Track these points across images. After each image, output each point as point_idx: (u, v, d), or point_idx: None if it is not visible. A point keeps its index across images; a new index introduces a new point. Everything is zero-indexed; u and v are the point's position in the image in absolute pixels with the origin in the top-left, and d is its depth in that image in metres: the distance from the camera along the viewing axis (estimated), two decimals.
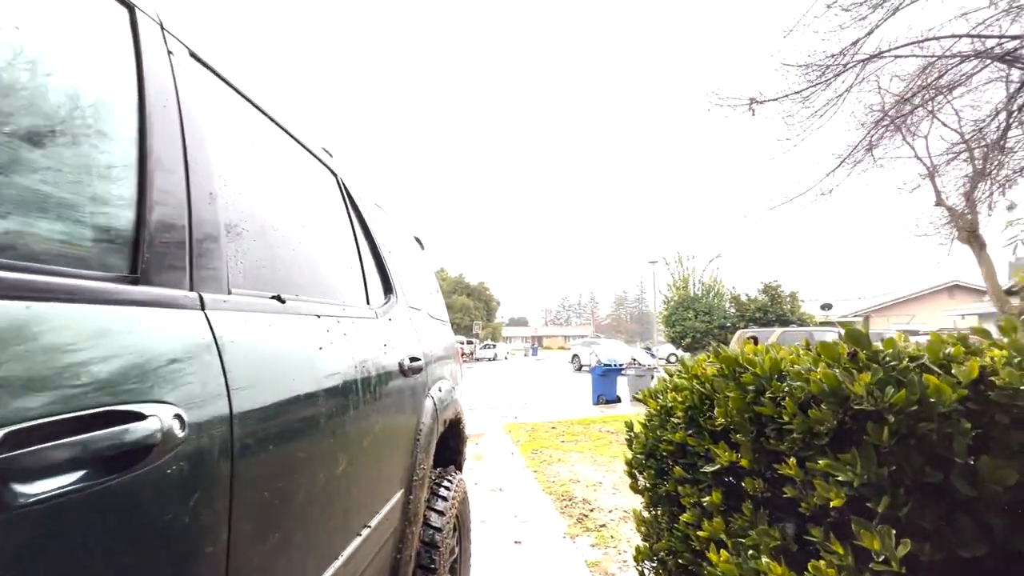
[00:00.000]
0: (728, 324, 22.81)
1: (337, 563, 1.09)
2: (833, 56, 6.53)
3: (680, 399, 1.45)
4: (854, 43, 6.40)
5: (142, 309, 0.65)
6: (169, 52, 0.89)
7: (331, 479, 1.06)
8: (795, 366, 1.08)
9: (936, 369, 0.95)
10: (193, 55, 0.97)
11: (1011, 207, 7.43)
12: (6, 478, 0.40)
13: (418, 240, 3.04)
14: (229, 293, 0.86)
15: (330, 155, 1.75)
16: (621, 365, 11.75)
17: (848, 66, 6.60)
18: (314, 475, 0.99)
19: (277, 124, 1.31)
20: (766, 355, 1.20)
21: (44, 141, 0.61)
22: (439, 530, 1.84)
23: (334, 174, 1.69)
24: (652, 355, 23.53)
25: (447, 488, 2.06)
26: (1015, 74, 6.26)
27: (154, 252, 0.70)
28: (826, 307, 22.31)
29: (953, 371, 0.92)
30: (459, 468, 2.55)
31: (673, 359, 28.79)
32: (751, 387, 1.15)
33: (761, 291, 22.42)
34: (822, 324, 21.69)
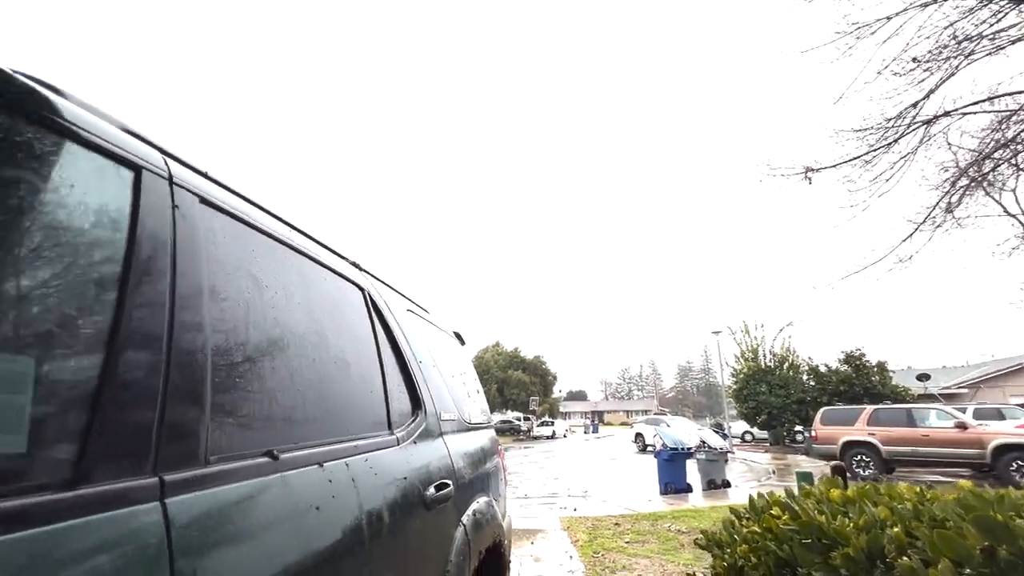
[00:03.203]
0: (808, 398, 20.75)
1: None
2: (891, 120, 6.25)
3: (754, 559, 1.17)
4: (913, 105, 6.12)
5: (84, 519, 0.55)
6: (175, 206, 0.89)
7: None
8: (903, 559, 0.81)
9: None
10: (204, 201, 0.97)
11: None
12: None
13: (458, 336, 2.97)
14: (206, 464, 0.76)
15: (358, 268, 1.74)
16: (689, 448, 10.77)
17: (911, 127, 6.28)
18: None
19: (297, 250, 1.30)
20: (859, 516, 0.94)
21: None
22: None
23: (360, 288, 1.66)
24: (724, 434, 21.59)
25: None
26: None
27: (103, 438, 0.62)
28: (923, 378, 19.91)
29: None
30: None
31: (749, 437, 26.27)
32: (844, 573, 0.88)
33: (842, 361, 20.41)
34: (921, 398, 19.22)
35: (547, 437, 35.04)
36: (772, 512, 1.26)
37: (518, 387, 43.71)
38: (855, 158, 6.55)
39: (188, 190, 0.94)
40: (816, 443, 12.52)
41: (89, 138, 0.77)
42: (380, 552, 1.14)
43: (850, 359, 20.10)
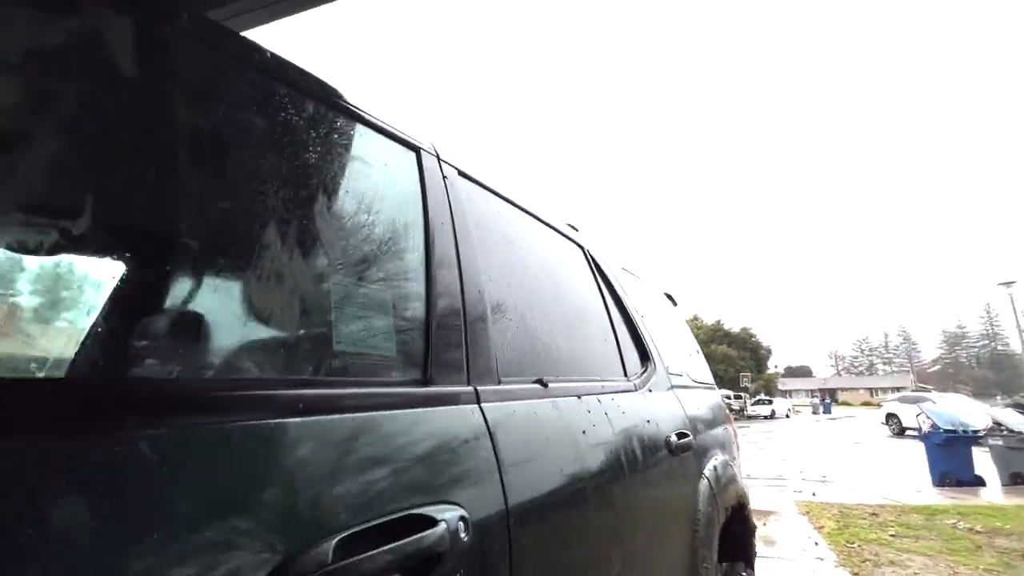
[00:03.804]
0: None
1: None
2: None
3: None
4: None
5: (431, 410, 0.72)
6: (444, 176, 1.07)
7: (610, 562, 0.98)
8: None
9: None
10: (462, 174, 1.14)
11: None
12: None
13: (669, 297, 2.87)
14: (499, 383, 0.91)
15: (575, 229, 1.83)
16: (975, 431, 8.40)
17: None
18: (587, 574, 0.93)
19: (528, 213, 1.43)
20: None
21: (371, 276, 0.77)
22: None
23: (580, 247, 1.74)
24: None
25: None
26: None
27: (438, 354, 0.79)
28: None
29: None
30: (749, 565, 2.13)
31: None
32: None
33: None
34: None
35: (765, 417, 31.53)
36: None
37: (724, 362, 40.25)
38: None
39: (451, 165, 1.12)
40: None
41: (389, 130, 0.97)
42: (638, 483, 1.19)
43: None
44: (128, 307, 0.60)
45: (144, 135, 0.57)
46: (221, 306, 0.61)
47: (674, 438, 1.51)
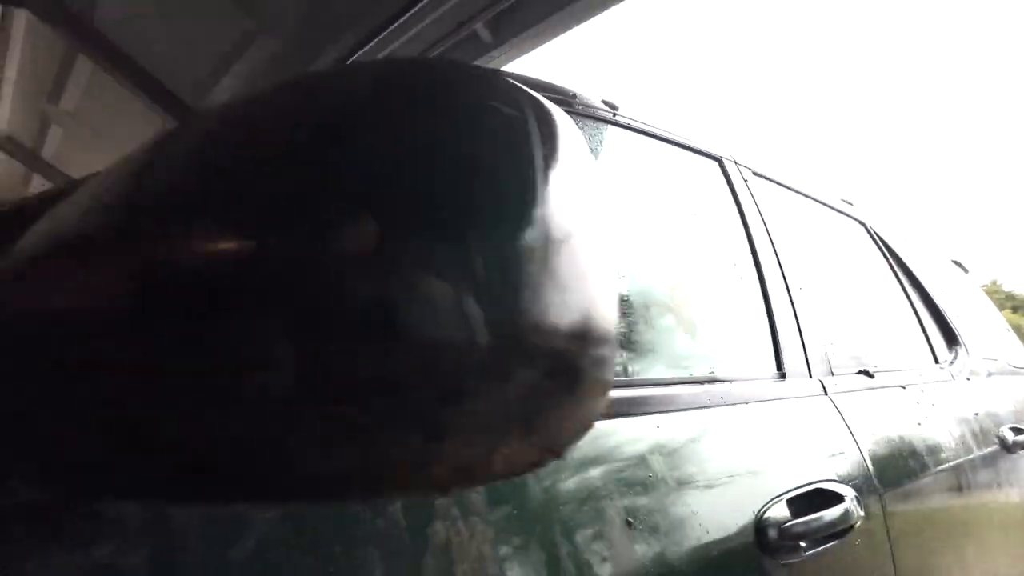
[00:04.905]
0: None
1: None
2: None
3: None
4: None
5: (794, 400, 0.83)
6: (744, 179, 1.14)
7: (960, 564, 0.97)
8: None
9: None
10: (756, 173, 1.20)
11: None
12: (792, 536, 0.61)
13: (959, 264, 2.41)
14: (831, 375, 0.96)
15: (849, 203, 1.69)
16: None
17: None
18: (946, 559, 0.93)
19: (810, 197, 1.40)
20: None
21: (715, 283, 0.90)
22: None
23: (862, 224, 1.61)
24: None
25: None
26: None
27: (786, 351, 0.89)
28: None
29: None
30: None
31: None
32: None
33: None
34: None
35: None
36: None
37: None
38: None
39: (747, 167, 1.18)
40: None
41: (698, 148, 1.09)
42: (978, 477, 1.11)
43: None
44: None
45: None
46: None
47: (1009, 434, 1.33)
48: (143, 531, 0.30)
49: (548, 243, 0.18)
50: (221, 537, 0.28)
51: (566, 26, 2.00)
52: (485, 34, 1.86)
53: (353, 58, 1.26)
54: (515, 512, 0.43)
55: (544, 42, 2.02)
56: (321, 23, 1.21)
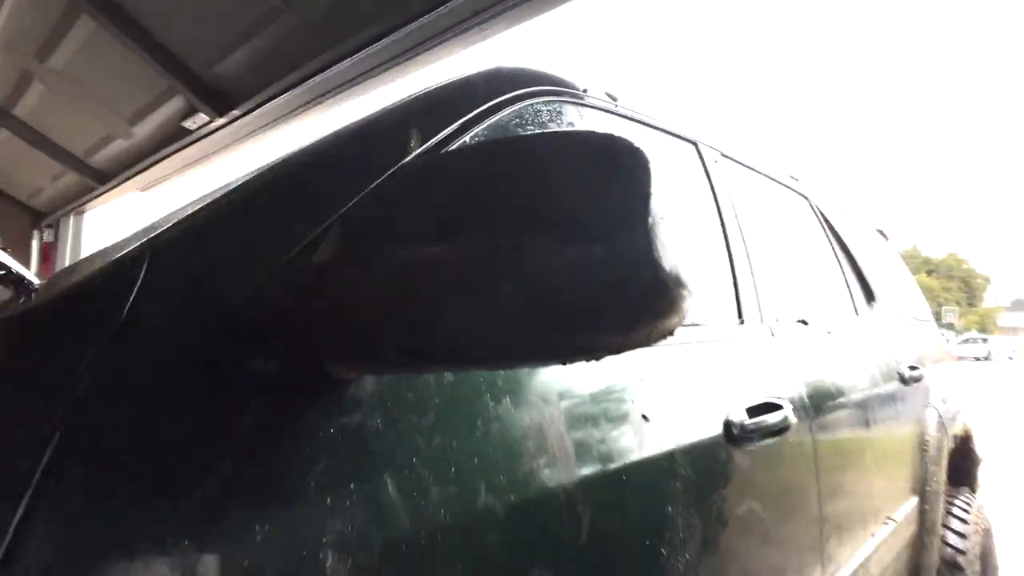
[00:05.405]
0: None
1: (868, 545, 1.29)
2: None
3: None
4: None
5: (752, 340, 1.07)
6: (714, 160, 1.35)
7: (861, 468, 1.28)
8: None
9: None
10: (723, 155, 1.41)
11: None
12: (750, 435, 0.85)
13: (881, 232, 2.78)
14: (777, 322, 1.22)
15: (795, 179, 1.96)
16: None
17: None
18: (853, 458, 1.24)
19: (764, 175, 1.64)
20: None
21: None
22: (961, 552, 1.71)
23: (805, 197, 1.88)
24: None
25: (964, 509, 1.87)
26: None
27: (744, 303, 1.13)
28: None
29: None
30: (973, 491, 2.20)
31: None
32: None
33: None
34: None
35: (976, 359, 26.40)
36: None
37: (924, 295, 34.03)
38: None
39: (715, 148, 1.39)
40: None
41: (679, 133, 1.28)
42: (881, 404, 1.43)
43: None
44: None
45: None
46: None
47: (906, 370, 1.67)
48: (376, 403, 0.47)
49: (660, 229, 0.36)
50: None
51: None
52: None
53: (376, 45, 1.26)
54: (566, 403, 0.63)
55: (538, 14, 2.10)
56: (346, 8, 1.25)
